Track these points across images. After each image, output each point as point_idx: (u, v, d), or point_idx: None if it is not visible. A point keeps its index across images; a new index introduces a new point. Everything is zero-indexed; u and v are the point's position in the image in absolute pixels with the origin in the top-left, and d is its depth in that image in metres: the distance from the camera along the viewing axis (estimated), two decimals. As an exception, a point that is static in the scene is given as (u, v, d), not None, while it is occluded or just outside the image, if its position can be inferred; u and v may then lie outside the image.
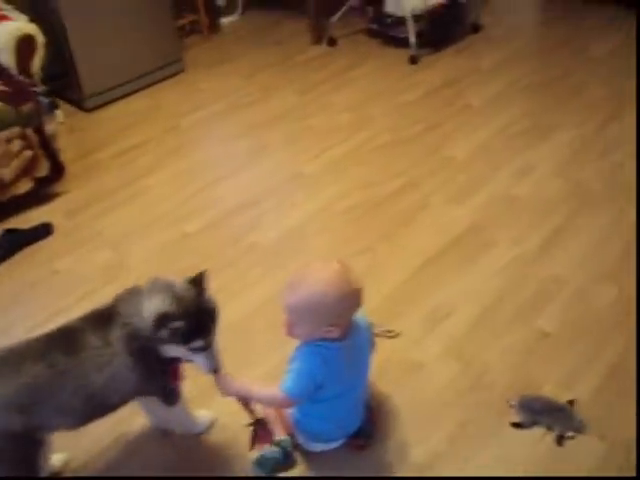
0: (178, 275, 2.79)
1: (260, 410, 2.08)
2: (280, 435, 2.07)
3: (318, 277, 1.81)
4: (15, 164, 3.57)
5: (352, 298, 1.84)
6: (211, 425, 2.21)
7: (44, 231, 3.48)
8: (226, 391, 1.95)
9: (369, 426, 2.14)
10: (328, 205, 3.30)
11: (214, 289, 2.77)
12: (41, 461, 1.87)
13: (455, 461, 2.05)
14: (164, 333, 1.76)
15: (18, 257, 3.34)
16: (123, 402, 1.91)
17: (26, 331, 2.78)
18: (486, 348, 2.42)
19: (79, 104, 4.71)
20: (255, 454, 2.05)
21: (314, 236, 3.09)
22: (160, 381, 1.93)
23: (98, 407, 1.86)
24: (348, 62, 4.84)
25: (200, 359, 1.86)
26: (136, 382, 1.84)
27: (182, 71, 5.04)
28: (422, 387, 2.31)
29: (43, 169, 3.71)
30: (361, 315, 1.98)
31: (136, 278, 2.95)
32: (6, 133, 3.47)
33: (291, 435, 2.08)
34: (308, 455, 2.11)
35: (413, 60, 4.61)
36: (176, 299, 1.79)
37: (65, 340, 1.80)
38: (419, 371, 2.37)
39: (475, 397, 2.24)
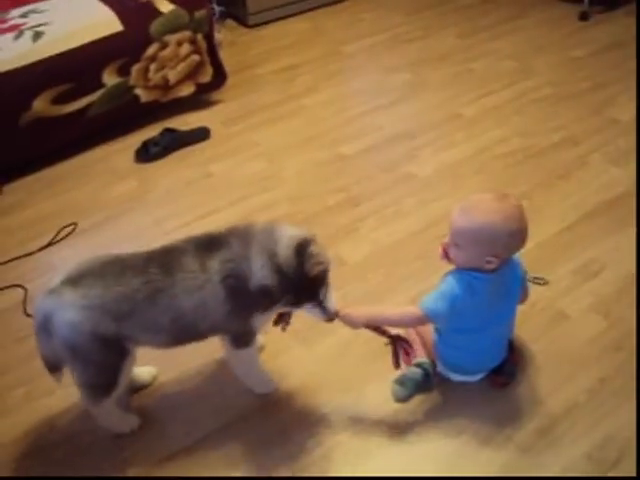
0: (331, 194, 2.90)
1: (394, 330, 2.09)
2: (422, 357, 2.11)
3: (496, 207, 1.82)
4: (181, 67, 3.70)
5: (522, 235, 1.85)
6: (275, 389, 2.17)
7: (202, 134, 3.61)
8: (355, 325, 1.96)
9: (512, 366, 2.16)
10: (486, 148, 3.28)
11: (366, 213, 2.88)
12: (124, 371, 1.90)
13: (591, 415, 2.04)
14: (306, 261, 1.78)
15: (175, 156, 3.50)
16: (209, 331, 1.92)
17: (176, 227, 2.94)
18: (634, 310, 2.38)
19: (242, 20, 4.81)
20: (397, 373, 2.09)
21: (470, 176, 3.09)
22: (241, 322, 1.90)
23: (185, 331, 1.87)
24: (514, 11, 4.75)
25: (316, 311, 1.90)
26: (222, 314, 1.84)
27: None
28: (565, 338, 2.30)
29: (207, 75, 3.83)
30: (516, 256, 1.99)
31: (289, 191, 3.11)
32: (178, 36, 3.60)
33: (432, 360, 2.12)
34: (447, 384, 2.15)
35: (584, 16, 4.47)
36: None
37: (166, 259, 1.82)
38: (564, 322, 2.36)
39: (618, 356, 2.22)
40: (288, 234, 1.83)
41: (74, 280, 1.77)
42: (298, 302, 1.86)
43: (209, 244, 1.83)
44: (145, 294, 1.76)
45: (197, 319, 1.83)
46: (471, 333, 1.98)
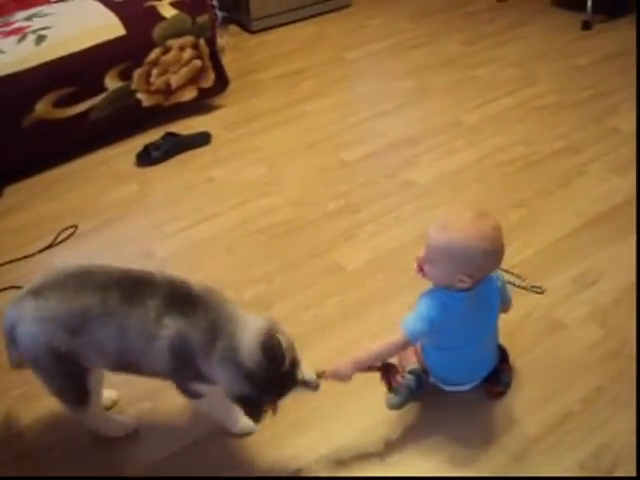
0: (332, 200, 2.94)
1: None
2: (414, 364, 2.12)
3: (473, 225, 1.81)
4: (184, 72, 3.72)
5: (497, 256, 1.84)
6: (251, 430, 2.04)
7: (203, 139, 3.63)
8: (346, 377, 1.91)
9: (507, 376, 2.15)
10: (487, 155, 3.28)
11: (366, 219, 2.88)
12: (91, 384, 1.85)
13: (588, 424, 2.03)
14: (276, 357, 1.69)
15: (177, 160, 3.51)
16: (154, 376, 1.84)
17: (176, 231, 2.96)
18: (631, 319, 2.36)
19: (245, 25, 4.84)
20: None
21: (470, 183, 3.10)
22: (186, 385, 1.84)
23: (129, 365, 1.80)
24: (517, 18, 4.75)
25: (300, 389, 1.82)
26: (166, 370, 1.77)
27: (348, 5, 5.09)
28: (561, 347, 2.29)
29: (209, 80, 3.85)
30: None
31: (289, 196, 3.12)
32: (180, 41, 3.61)
33: (424, 369, 2.12)
34: (438, 393, 2.14)
35: (586, 25, 4.46)
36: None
37: (134, 289, 1.74)
38: (560, 330, 2.35)
39: (615, 365, 2.20)
40: (251, 330, 1.72)
41: (36, 291, 1.74)
42: (281, 394, 1.75)
43: (181, 301, 1.73)
44: (98, 314, 1.70)
45: (141, 361, 1.76)
46: (454, 350, 1.98)
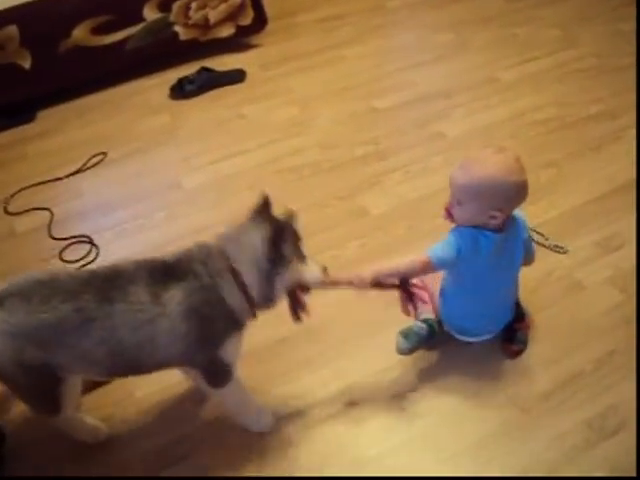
0: (361, 145, 2.93)
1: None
2: (430, 314, 2.13)
3: (495, 160, 1.81)
4: (223, 7, 3.69)
5: (523, 187, 1.82)
6: (273, 423, 1.97)
7: (237, 76, 3.62)
8: (364, 283, 1.88)
9: (524, 334, 2.16)
10: (520, 114, 3.25)
11: (394, 166, 2.88)
12: (64, 396, 1.73)
13: (598, 385, 2.04)
14: (282, 250, 1.65)
15: (210, 95, 3.53)
16: (158, 367, 1.73)
17: (204, 164, 2.98)
18: (652, 287, 2.36)
19: (288, -35, 4.74)
20: (404, 326, 2.10)
21: (501, 140, 3.07)
22: (212, 351, 1.71)
23: (126, 365, 1.69)
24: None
25: (307, 271, 1.77)
26: (183, 349, 1.66)
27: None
28: (579, 308, 2.29)
29: (247, 18, 3.82)
30: (521, 217, 1.98)
31: (319, 139, 3.11)
32: (221, -24, 3.57)
33: (438, 320, 2.13)
34: (453, 343, 2.15)
35: (634, -9, 4.36)
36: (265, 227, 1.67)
37: (107, 285, 1.60)
38: (579, 292, 2.35)
39: (630, 331, 2.19)
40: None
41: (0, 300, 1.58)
42: (282, 259, 1.68)
43: (166, 272, 1.63)
44: (75, 323, 1.56)
45: (142, 355, 1.64)
46: (475, 293, 1.99)
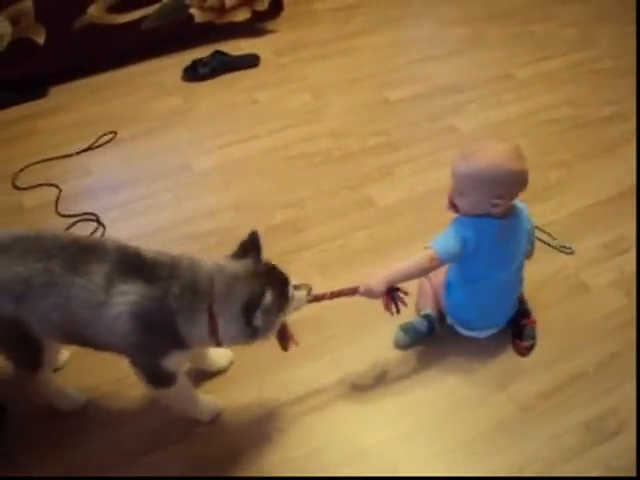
0: (372, 136, 2.93)
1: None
2: (430, 309, 2.15)
3: (495, 149, 1.82)
4: (239, -8, 3.67)
5: (523, 176, 1.83)
6: (219, 414, 1.96)
7: (251, 61, 3.62)
8: (376, 293, 1.90)
9: (532, 329, 2.16)
10: (534, 112, 3.24)
11: (404, 158, 2.87)
12: (41, 353, 1.75)
13: (598, 387, 2.03)
14: (259, 316, 1.59)
15: (223, 79, 3.52)
16: (107, 348, 1.70)
17: (214, 148, 2.98)
18: (657, 291, 2.35)
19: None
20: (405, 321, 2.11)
21: (513, 137, 3.02)
22: (152, 360, 1.68)
23: (77, 337, 1.69)
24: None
25: (291, 307, 1.73)
26: (121, 345, 1.65)
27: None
28: (583, 309, 2.28)
29: (264, 3, 3.82)
30: (524, 207, 2.00)
31: (330, 127, 3.11)
32: (238, -40, 3.56)
33: (440, 313, 2.14)
34: (455, 337, 2.16)
35: (655, -8, 4.32)
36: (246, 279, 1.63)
37: (79, 255, 1.60)
38: (584, 293, 2.34)
39: (633, 335, 2.19)
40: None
41: None
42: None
43: (136, 267, 1.60)
44: (40, 282, 1.57)
45: (89, 332, 1.63)
46: (478, 283, 1.99)
